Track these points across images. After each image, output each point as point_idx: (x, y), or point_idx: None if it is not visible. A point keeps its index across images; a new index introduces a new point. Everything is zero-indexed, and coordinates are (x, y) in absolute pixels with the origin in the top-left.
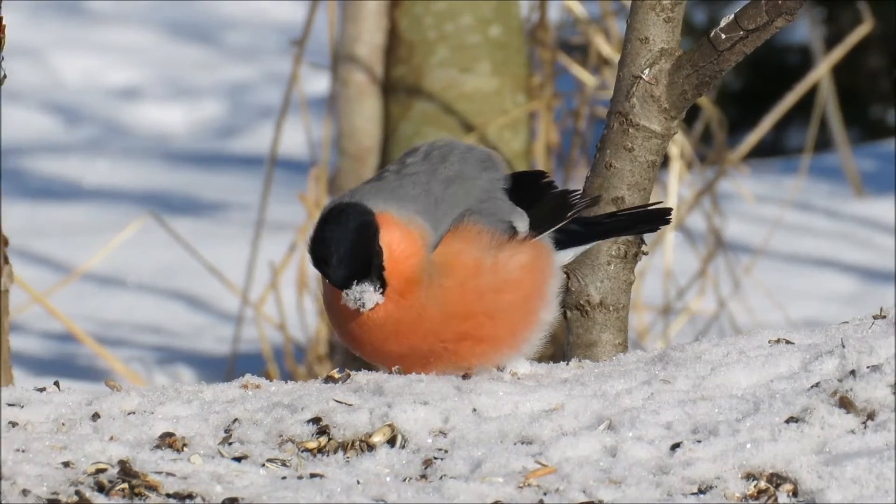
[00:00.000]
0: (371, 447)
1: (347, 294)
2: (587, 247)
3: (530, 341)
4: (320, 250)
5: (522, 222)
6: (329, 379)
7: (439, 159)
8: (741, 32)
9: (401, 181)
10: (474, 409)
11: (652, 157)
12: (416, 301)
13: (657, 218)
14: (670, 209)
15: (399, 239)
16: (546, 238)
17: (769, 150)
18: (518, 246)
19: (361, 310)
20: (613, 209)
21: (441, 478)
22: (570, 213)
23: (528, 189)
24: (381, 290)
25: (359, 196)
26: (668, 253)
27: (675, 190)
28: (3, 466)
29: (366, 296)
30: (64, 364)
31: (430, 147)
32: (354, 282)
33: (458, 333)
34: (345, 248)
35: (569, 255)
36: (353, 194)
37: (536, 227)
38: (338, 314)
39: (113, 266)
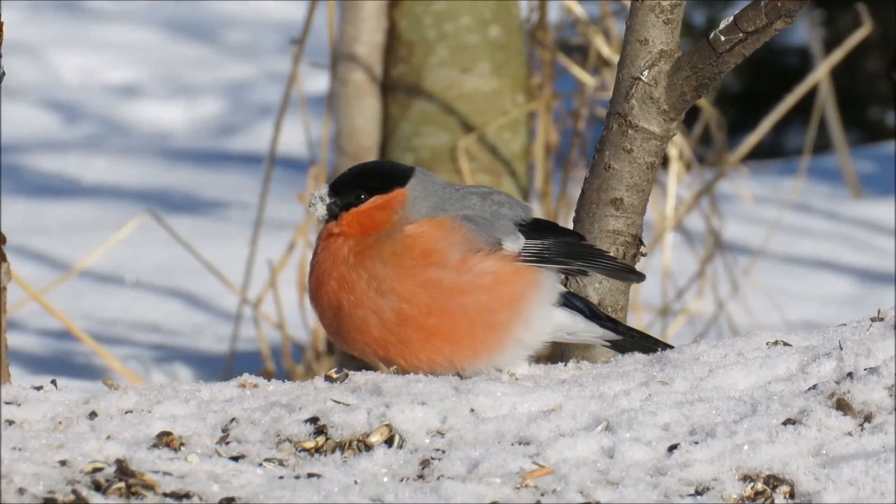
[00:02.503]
0: (369, 447)
1: (313, 193)
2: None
3: (499, 353)
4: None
5: (514, 245)
6: (327, 378)
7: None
8: (740, 34)
9: (445, 189)
10: (472, 410)
11: (651, 158)
12: (368, 267)
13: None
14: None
15: (386, 201)
16: (546, 270)
17: (768, 152)
18: (494, 256)
19: (310, 211)
20: (613, 209)
21: (438, 478)
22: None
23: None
24: (337, 210)
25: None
26: (666, 254)
27: (673, 191)
28: (1, 465)
29: (319, 204)
30: (61, 362)
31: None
32: (327, 189)
33: (398, 314)
34: (356, 172)
35: (564, 316)
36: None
37: (528, 254)
38: (317, 307)
39: (111, 264)
